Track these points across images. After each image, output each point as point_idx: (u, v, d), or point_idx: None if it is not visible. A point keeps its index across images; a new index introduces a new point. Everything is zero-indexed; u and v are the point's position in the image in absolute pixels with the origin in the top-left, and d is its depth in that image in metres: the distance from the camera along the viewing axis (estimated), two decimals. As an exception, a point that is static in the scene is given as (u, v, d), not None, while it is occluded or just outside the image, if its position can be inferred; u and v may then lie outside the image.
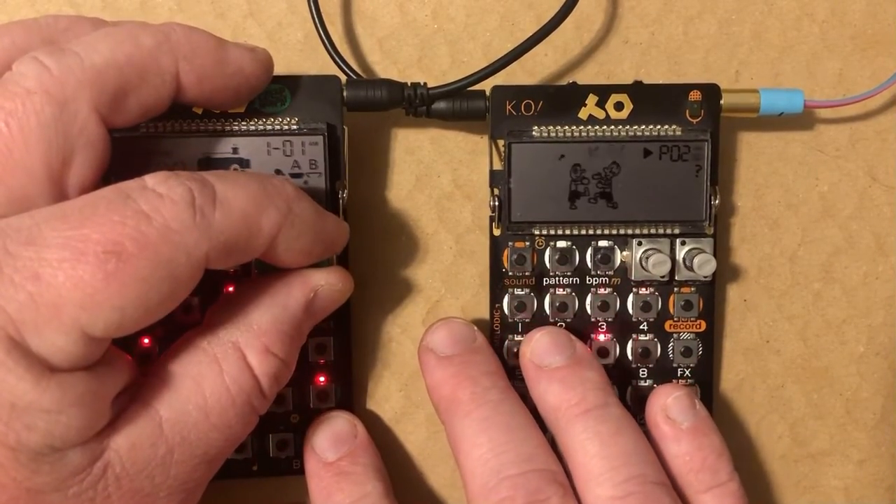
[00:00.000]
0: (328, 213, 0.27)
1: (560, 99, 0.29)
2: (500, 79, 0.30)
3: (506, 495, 0.26)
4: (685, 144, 0.29)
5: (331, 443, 0.29)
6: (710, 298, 0.30)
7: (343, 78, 0.29)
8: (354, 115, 0.30)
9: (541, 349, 0.29)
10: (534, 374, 0.29)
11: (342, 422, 0.30)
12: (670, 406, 0.29)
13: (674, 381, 0.31)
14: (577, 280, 0.30)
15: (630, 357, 0.31)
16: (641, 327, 0.30)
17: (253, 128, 0.28)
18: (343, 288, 0.27)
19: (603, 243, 0.30)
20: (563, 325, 0.30)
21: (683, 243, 0.30)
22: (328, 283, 0.27)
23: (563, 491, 0.26)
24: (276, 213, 0.24)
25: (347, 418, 0.30)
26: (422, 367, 0.30)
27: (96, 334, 0.21)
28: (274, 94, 0.29)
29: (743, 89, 0.30)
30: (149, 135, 0.28)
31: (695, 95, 0.29)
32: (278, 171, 0.28)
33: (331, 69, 0.30)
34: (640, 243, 0.29)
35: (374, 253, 0.32)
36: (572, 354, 0.29)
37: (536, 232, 0.30)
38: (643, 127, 0.29)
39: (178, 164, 0.28)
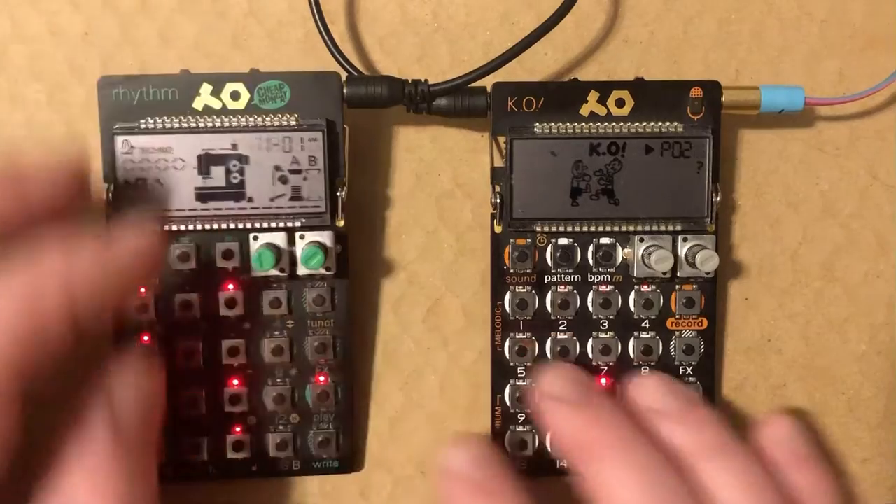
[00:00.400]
0: (117, 243, 0.24)
1: (561, 95, 0.29)
2: (499, 77, 0.30)
3: None
4: (686, 141, 0.29)
5: (468, 462, 0.27)
6: (711, 296, 0.31)
7: (343, 75, 0.29)
8: (355, 113, 0.30)
9: (654, 392, 0.28)
10: (652, 418, 0.28)
11: (479, 443, 0.28)
12: (782, 437, 0.28)
13: (678, 377, 0.31)
14: (578, 277, 0.30)
15: (632, 355, 0.31)
16: (643, 325, 0.31)
17: (252, 123, 0.28)
18: (149, 386, 0.25)
19: (604, 240, 0.30)
20: (565, 322, 0.30)
21: (685, 240, 0.30)
22: (126, 391, 0.24)
23: None
24: (59, 298, 0.21)
25: (484, 440, 0.29)
26: (547, 416, 0.28)
27: None
28: (274, 90, 0.29)
29: (743, 86, 0.30)
30: (148, 131, 0.28)
31: (696, 92, 0.30)
32: (277, 167, 0.28)
33: (331, 68, 0.30)
34: (641, 240, 0.30)
35: (374, 251, 0.32)
36: (685, 398, 0.28)
37: (538, 229, 0.30)
38: (644, 123, 0.29)
39: (178, 160, 0.28)
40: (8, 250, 0.22)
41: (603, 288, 0.30)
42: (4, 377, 0.21)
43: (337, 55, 0.30)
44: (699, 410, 0.28)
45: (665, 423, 0.27)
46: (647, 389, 0.28)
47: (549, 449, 0.31)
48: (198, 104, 0.29)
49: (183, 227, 0.28)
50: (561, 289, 0.30)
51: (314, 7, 0.30)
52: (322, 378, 0.30)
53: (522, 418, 0.31)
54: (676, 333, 0.31)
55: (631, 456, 0.26)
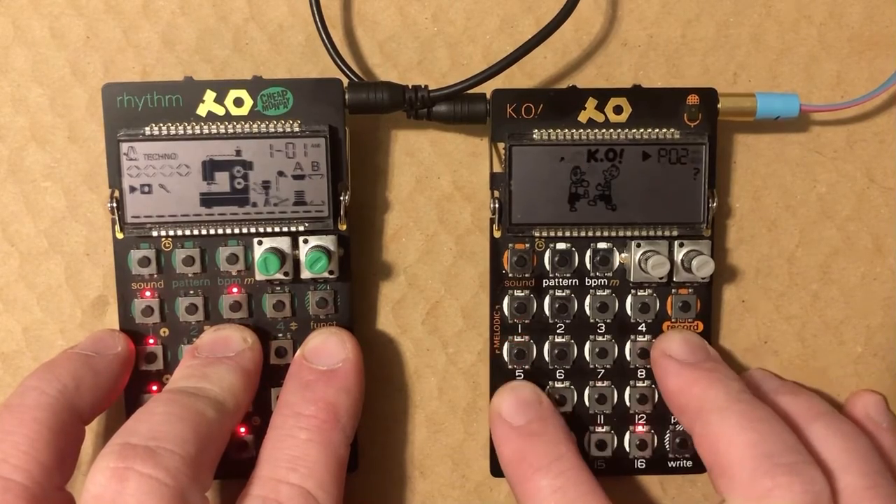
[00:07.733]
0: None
1: (560, 102, 0.32)
2: (499, 81, 0.32)
3: None
4: (683, 147, 0.32)
5: (517, 408, 0.32)
6: (707, 299, 0.33)
7: (344, 80, 0.32)
8: (354, 118, 0.32)
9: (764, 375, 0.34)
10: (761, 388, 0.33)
11: (527, 389, 0.32)
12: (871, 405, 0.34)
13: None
14: (576, 281, 0.33)
15: (628, 358, 0.33)
16: (640, 328, 0.33)
17: (256, 130, 0.31)
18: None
19: (602, 245, 0.33)
20: (562, 326, 0.33)
21: (682, 245, 0.32)
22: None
23: None
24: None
25: (531, 387, 0.33)
26: (659, 372, 0.32)
27: None
28: (276, 96, 0.31)
29: (739, 93, 0.33)
30: (153, 138, 0.30)
31: (692, 99, 0.32)
32: (281, 173, 0.31)
33: (332, 71, 0.32)
34: (638, 245, 0.32)
35: (375, 253, 0.35)
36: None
37: (536, 234, 0.32)
38: (642, 130, 0.32)
39: (183, 166, 0.30)
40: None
41: (600, 292, 0.33)
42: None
43: (337, 60, 0.32)
44: (804, 390, 0.33)
45: (774, 394, 0.32)
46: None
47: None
48: (202, 111, 0.31)
49: (188, 232, 0.31)
50: (559, 293, 0.33)
51: (315, 11, 0.32)
52: (323, 379, 0.33)
53: (521, 419, 0.34)
54: (673, 336, 0.33)
55: (744, 407, 0.29)
